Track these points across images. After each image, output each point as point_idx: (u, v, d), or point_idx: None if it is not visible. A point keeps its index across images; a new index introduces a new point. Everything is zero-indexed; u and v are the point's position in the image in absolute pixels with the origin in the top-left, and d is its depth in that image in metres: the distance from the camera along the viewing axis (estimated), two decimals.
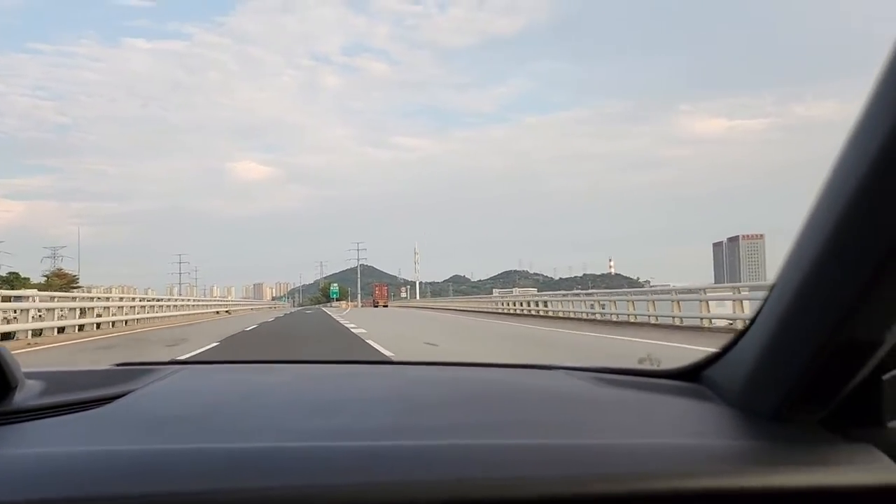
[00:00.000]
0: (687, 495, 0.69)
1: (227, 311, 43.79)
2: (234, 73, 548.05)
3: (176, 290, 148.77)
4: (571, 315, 26.20)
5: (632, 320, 20.95)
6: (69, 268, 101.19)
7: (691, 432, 0.84)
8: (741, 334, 0.91)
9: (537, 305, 32.34)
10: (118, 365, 1.23)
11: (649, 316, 20.18)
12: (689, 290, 19.45)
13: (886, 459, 0.74)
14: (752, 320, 0.87)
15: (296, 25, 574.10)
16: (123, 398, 0.93)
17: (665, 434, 0.84)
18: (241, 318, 31.47)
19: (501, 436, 0.79)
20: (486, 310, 40.96)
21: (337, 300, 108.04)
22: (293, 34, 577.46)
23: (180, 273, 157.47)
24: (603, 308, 24.04)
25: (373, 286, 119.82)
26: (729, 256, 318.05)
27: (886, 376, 0.78)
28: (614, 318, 22.19)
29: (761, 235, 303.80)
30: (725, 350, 0.96)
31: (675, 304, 19.08)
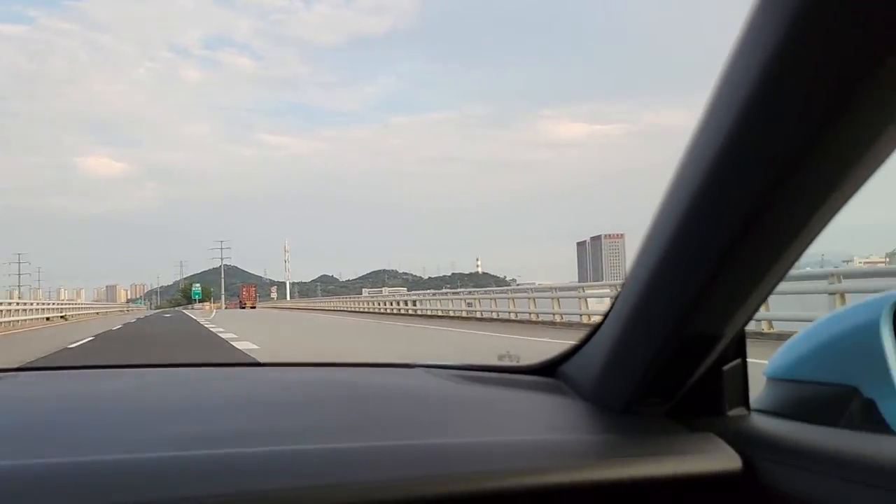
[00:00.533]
0: (538, 491, 0.71)
1: (62, 317, 35.59)
2: (83, 63, 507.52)
3: (16, 293, 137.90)
4: (440, 313, 27.08)
5: (501, 317, 21.88)
6: None
7: (546, 428, 0.87)
8: (595, 330, 0.93)
9: (407, 305, 33.49)
10: None
11: (517, 313, 21.17)
12: (549, 289, 20.75)
13: (726, 446, 0.77)
14: (605, 316, 0.90)
15: (153, 14, 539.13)
16: None
17: (521, 430, 0.86)
18: (76, 327, 25.07)
19: (358, 438, 0.77)
20: (358, 309, 41.49)
21: (200, 302, 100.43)
22: (150, 23, 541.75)
23: (20, 274, 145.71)
24: (470, 306, 25.10)
25: (239, 287, 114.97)
26: (592, 255, 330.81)
27: (726, 367, 0.83)
28: (484, 315, 23.00)
29: (622, 235, 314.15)
30: (580, 345, 0.99)
31: (532, 301, 20.38)
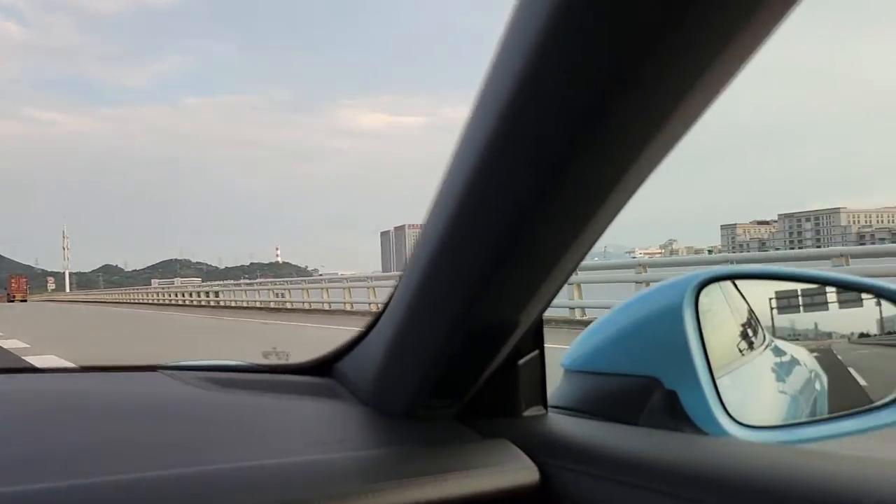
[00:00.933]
0: None
1: None
2: None
3: None
4: (245, 304, 26.54)
5: (307, 307, 21.72)
6: None
7: (318, 441, 0.75)
8: (375, 321, 0.83)
9: (209, 296, 32.43)
10: None
11: (323, 303, 21.40)
12: (357, 279, 21.39)
13: (521, 455, 0.70)
14: (385, 306, 0.80)
15: None
16: None
17: (289, 447, 0.73)
18: None
19: (78, 472, 0.62)
20: (151, 301, 39.30)
21: None
22: None
23: None
24: (279, 296, 24.63)
25: (7, 278, 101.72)
26: (396, 245, 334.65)
27: (522, 361, 0.76)
28: (295, 306, 22.61)
29: None
30: (359, 339, 0.87)
31: (347, 291, 20.68)
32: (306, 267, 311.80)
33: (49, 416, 0.82)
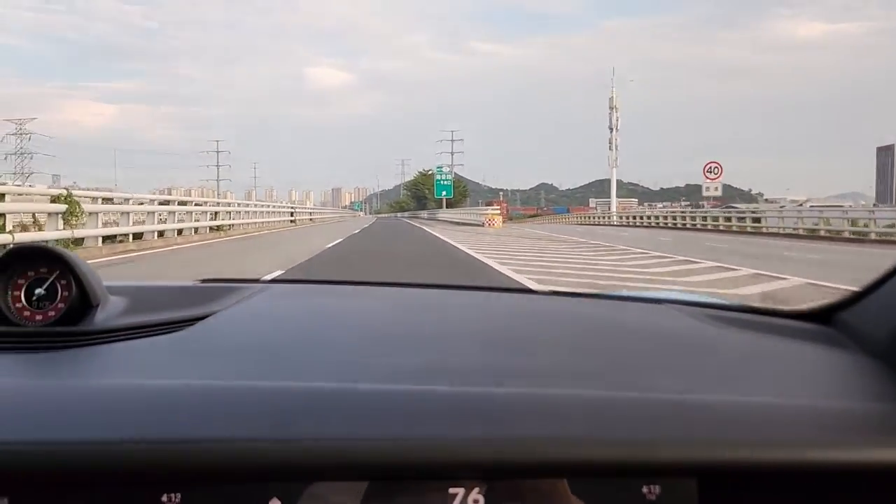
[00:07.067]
0: (824, 470, 0.59)
1: (291, 222, 37.38)
2: None
3: (253, 193, 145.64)
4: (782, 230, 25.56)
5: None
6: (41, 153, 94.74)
7: (816, 387, 0.74)
8: (892, 272, 0.80)
9: (742, 221, 30.13)
10: (203, 281, 1.16)
11: None
12: None
13: None
14: None
15: None
16: (203, 322, 0.88)
17: (784, 388, 0.72)
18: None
19: (610, 385, 0.69)
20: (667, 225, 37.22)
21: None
22: None
23: (255, 177, 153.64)
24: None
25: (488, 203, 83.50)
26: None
27: None
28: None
29: None
30: (868, 290, 0.85)
31: None
32: (749, 190, 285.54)
33: (581, 335, 0.94)
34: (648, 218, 43.16)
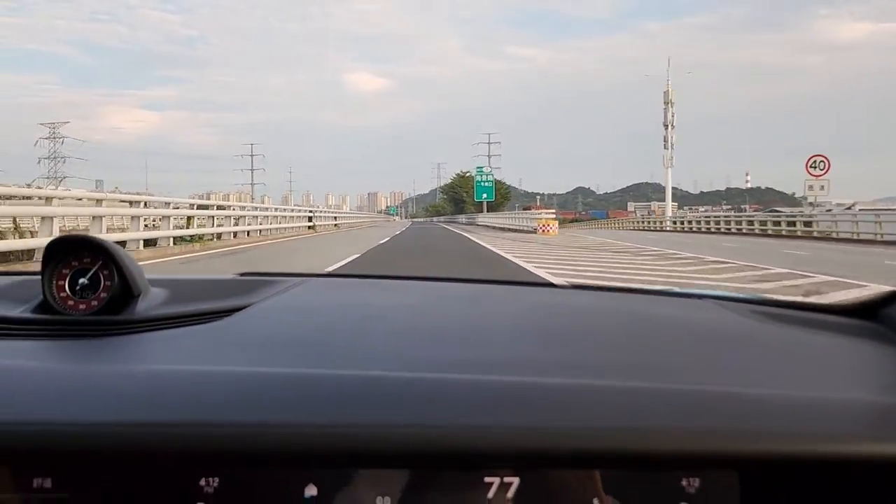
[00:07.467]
0: (873, 463, 0.58)
1: (310, 228, 31.63)
2: None
3: (290, 198, 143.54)
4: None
5: None
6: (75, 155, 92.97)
7: (874, 384, 0.72)
8: None
9: (808, 226, 28.50)
10: (241, 275, 1.18)
11: None
12: None
13: None
14: None
15: None
16: (241, 312, 0.90)
17: (843, 384, 0.72)
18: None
19: (649, 377, 0.68)
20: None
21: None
22: None
23: (291, 181, 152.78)
24: None
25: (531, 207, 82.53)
26: None
27: None
28: None
29: None
30: None
31: None
32: (793, 193, 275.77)
33: (619, 328, 0.93)
34: (697, 223, 41.64)
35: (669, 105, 64.20)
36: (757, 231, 31.91)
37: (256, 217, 25.32)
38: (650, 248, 18.80)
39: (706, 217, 44.41)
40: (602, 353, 0.79)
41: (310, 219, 33.13)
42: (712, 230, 36.65)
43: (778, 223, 31.43)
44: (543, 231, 29.93)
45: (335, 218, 43.66)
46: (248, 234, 23.04)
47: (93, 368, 0.69)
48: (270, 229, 25.68)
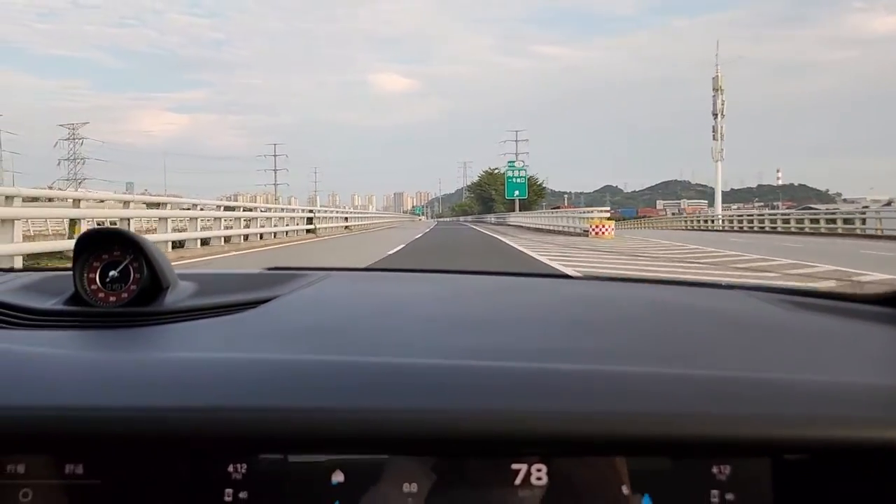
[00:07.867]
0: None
1: (309, 231, 26.38)
2: None
3: (317, 199, 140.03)
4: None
5: None
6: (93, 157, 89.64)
7: (888, 368, 0.72)
8: None
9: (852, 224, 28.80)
10: (268, 269, 1.19)
11: None
12: None
13: None
14: None
15: None
16: (268, 303, 0.91)
17: (879, 370, 0.71)
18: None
19: (673, 363, 0.67)
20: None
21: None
22: None
23: (316, 182, 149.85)
24: None
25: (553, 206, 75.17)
26: None
27: None
28: None
29: None
30: None
31: None
32: (827, 190, 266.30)
33: (643, 318, 0.91)
34: (749, 221, 39.92)
35: (719, 92, 58.72)
36: (807, 230, 31.02)
37: (220, 219, 18.01)
38: (750, 256, 14.60)
39: (760, 216, 42.27)
40: (630, 340, 0.79)
41: (309, 220, 27.26)
42: (767, 229, 35.39)
43: (833, 221, 30.94)
44: (598, 234, 24.27)
45: (346, 219, 37.75)
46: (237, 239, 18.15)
47: (122, 356, 0.70)
48: (241, 235, 19.12)
